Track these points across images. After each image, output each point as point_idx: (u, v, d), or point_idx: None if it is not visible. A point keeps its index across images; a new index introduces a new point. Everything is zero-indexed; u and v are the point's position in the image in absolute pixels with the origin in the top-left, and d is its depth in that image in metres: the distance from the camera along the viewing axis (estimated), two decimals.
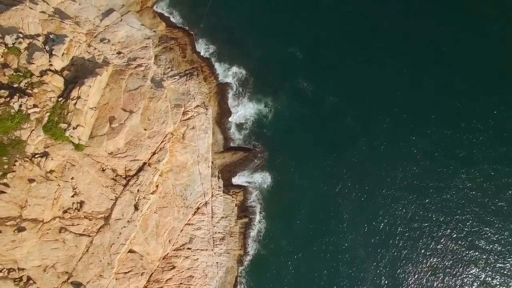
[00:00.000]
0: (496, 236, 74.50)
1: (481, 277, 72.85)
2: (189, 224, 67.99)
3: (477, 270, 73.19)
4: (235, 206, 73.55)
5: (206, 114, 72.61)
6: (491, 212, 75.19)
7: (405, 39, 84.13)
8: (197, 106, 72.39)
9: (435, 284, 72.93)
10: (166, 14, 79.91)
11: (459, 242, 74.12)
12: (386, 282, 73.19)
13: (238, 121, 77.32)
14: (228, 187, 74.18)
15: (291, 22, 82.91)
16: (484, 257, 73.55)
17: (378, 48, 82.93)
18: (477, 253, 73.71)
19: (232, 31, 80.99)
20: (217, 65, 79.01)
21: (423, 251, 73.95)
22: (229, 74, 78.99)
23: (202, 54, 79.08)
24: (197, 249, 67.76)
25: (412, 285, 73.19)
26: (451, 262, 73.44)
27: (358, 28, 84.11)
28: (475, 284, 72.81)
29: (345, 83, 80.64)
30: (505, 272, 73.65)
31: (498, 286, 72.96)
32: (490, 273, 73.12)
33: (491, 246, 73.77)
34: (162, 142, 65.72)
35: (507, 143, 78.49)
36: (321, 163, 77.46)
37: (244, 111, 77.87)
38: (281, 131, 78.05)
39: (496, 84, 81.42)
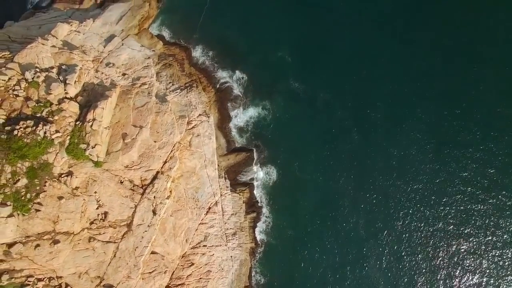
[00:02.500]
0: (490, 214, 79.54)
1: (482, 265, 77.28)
2: (203, 223, 71.88)
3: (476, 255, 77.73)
4: (243, 202, 77.34)
5: (209, 122, 76.53)
6: (486, 193, 79.87)
7: (387, 33, 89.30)
8: (200, 115, 76.25)
9: (433, 260, 77.78)
10: (161, 33, 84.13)
11: (453, 220, 78.66)
12: (388, 259, 77.43)
13: (238, 125, 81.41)
14: (235, 186, 77.90)
15: (277, 28, 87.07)
16: (481, 238, 78.20)
17: (360, 45, 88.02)
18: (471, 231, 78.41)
19: (224, 41, 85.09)
20: (213, 75, 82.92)
21: (420, 229, 78.54)
22: (226, 81, 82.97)
23: (199, 65, 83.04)
24: (212, 246, 71.78)
25: (411, 262, 77.51)
26: (448, 241, 78.06)
27: (340, 27, 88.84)
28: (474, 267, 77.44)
29: (332, 79, 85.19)
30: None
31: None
32: (491, 260, 77.57)
33: (490, 233, 78.38)
34: (171, 151, 69.17)
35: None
36: (319, 155, 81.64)
37: (243, 115, 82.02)
38: (279, 130, 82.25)
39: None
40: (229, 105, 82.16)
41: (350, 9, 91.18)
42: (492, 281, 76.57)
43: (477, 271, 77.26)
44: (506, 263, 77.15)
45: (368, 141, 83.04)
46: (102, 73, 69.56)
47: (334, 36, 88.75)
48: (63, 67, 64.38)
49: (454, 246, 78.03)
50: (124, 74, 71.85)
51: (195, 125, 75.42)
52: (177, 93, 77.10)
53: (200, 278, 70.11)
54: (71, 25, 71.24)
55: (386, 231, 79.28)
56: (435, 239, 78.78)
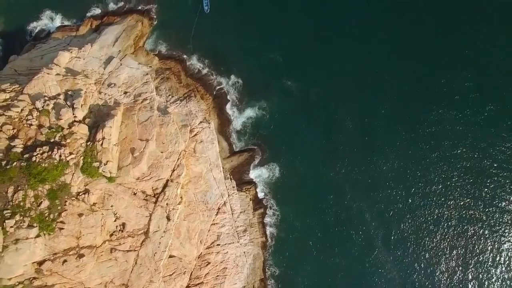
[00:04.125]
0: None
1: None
2: (214, 224, 75.77)
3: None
4: (250, 200, 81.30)
5: (209, 127, 79.87)
6: (479, 173, 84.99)
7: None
8: (201, 122, 79.54)
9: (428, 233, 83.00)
10: (156, 49, 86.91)
11: (452, 195, 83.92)
12: (393, 237, 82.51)
13: (238, 127, 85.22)
14: (241, 185, 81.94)
15: (267, 32, 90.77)
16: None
17: (345, 40, 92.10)
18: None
19: (217, 49, 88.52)
20: (209, 82, 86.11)
21: (421, 206, 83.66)
22: (222, 87, 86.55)
23: (194, 75, 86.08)
24: (225, 244, 75.81)
25: (416, 238, 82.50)
26: (448, 216, 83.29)
27: (325, 25, 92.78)
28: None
29: (322, 74, 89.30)
30: None
31: None
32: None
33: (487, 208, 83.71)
34: (178, 159, 72.38)
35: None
36: (317, 147, 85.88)
37: (241, 117, 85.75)
38: (277, 127, 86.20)
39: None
40: (227, 110, 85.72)
41: (333, 8, 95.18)
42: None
43: (477, 242, 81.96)
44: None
45: (361, 128, 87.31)
46: (105, 94, 72.75)
47: (320, 34, 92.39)
48: (69, 92, 67.78)
49: (455, 221, 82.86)
50: (125, 92, 74.97)
51: (197, 132, 78.63)
52: (177, 104, 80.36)
53: (218, 276, 74.16)
54: (71, 52, 74.25)
55: (388, 212, 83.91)
56: (436, 213, 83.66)
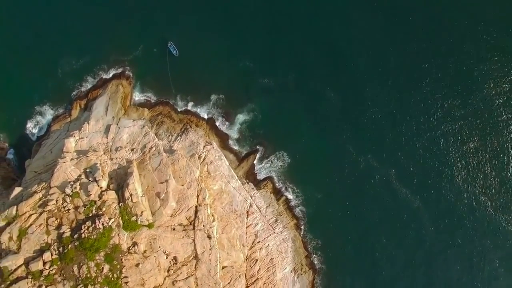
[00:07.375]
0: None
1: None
2: (248, 226, 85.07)
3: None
4: (271, 193, 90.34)
5: (213, 147, 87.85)
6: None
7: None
8: (204, 146, 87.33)
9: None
10: (143, 102, 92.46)
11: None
12: (405, 174, 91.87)
13: (236, 137, 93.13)
14: (258, 184, 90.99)
15: (230, 46, 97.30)
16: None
17: (303, 28, 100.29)
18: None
19: (195, 80, 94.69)
20: (198, 109, 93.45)
21: (412, 140, 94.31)
22: (209, 110, 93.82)
23: (183, 109, 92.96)
24: (264, 239, 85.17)
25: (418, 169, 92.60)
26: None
27: (282, 24, 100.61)
28: None
29: (291, 62, 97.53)
30: None
31: None
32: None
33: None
34: (198, 185, 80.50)
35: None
36: (311, 123, 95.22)
37: (236, 126, 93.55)
38: (271, 122, 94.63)
39: None
40: (221, 126, 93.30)
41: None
42: None
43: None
44: None
45: (342, 94, 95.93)
46: (116, 158, 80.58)
47: (279, 29, 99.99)
48: (88, 170, 75.96)
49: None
50: (132, 149, 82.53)
51: (205, 156, 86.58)
52: (179, 140, 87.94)
53: (268, 268, 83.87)
54: (74, 136, 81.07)
55: (392, 154, 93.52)
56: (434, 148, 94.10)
